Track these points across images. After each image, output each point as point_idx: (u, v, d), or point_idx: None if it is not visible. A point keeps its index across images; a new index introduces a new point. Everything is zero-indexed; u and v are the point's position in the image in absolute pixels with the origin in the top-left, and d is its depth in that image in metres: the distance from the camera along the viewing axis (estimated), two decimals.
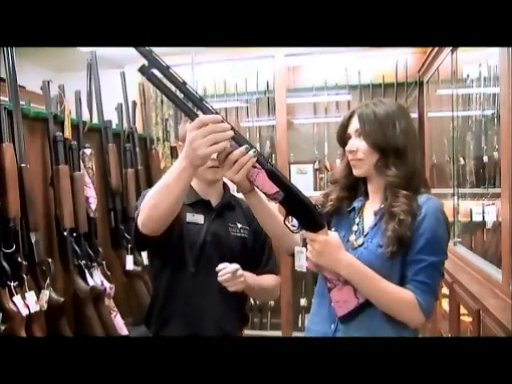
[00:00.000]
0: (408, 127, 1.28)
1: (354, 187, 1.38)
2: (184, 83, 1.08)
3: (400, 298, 1.21)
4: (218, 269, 1.47)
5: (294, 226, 1.26)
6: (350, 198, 1.38)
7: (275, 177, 1.15)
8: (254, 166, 1.14)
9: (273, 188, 1.15)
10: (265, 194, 1.19)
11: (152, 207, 1.29)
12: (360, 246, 1.29)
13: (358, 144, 1.29)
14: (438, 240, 1.22)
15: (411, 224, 1.20)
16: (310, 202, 1.21)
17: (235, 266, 1.49)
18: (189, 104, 1.13)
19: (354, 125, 1.30)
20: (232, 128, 1.11)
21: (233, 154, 1.12)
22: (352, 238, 1.32)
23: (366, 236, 1.29)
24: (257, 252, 1.67)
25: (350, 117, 1.33)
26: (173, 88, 1.10)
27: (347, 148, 1.31)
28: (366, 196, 1.36)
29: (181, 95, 1.12)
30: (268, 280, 1.66)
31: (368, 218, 1.32)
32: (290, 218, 1.26)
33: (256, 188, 1.20)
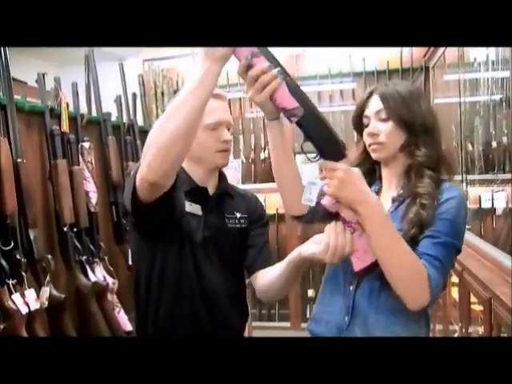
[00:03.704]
0: (430, 108, 1.23)
1: (370, 173, 1.30)
2: None
3: (415, 266, 1.08)
4: None
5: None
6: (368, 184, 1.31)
7: (296, 90, 1.04)
8: None
9: (293, 103, 1.04)
10: (283, 109, 1.06)
11: (164, 134, 1.03)
12: None
13: (380, 127, 1.20)
14: (456, 224, 1.14)
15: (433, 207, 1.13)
16: (331, 127, 1.08)
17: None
18: None
19: (374, 106, 1.22)
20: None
21: (252, 71, 1.01)
22: None
23: None
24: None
25: (368, 98, 1.24)
26: None
27: (368, 131, 1.22)
28: (381, 181, 1.30)
29: None
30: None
31: (385, 204, 1.22)
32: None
33: (275, 106, 1.07)
